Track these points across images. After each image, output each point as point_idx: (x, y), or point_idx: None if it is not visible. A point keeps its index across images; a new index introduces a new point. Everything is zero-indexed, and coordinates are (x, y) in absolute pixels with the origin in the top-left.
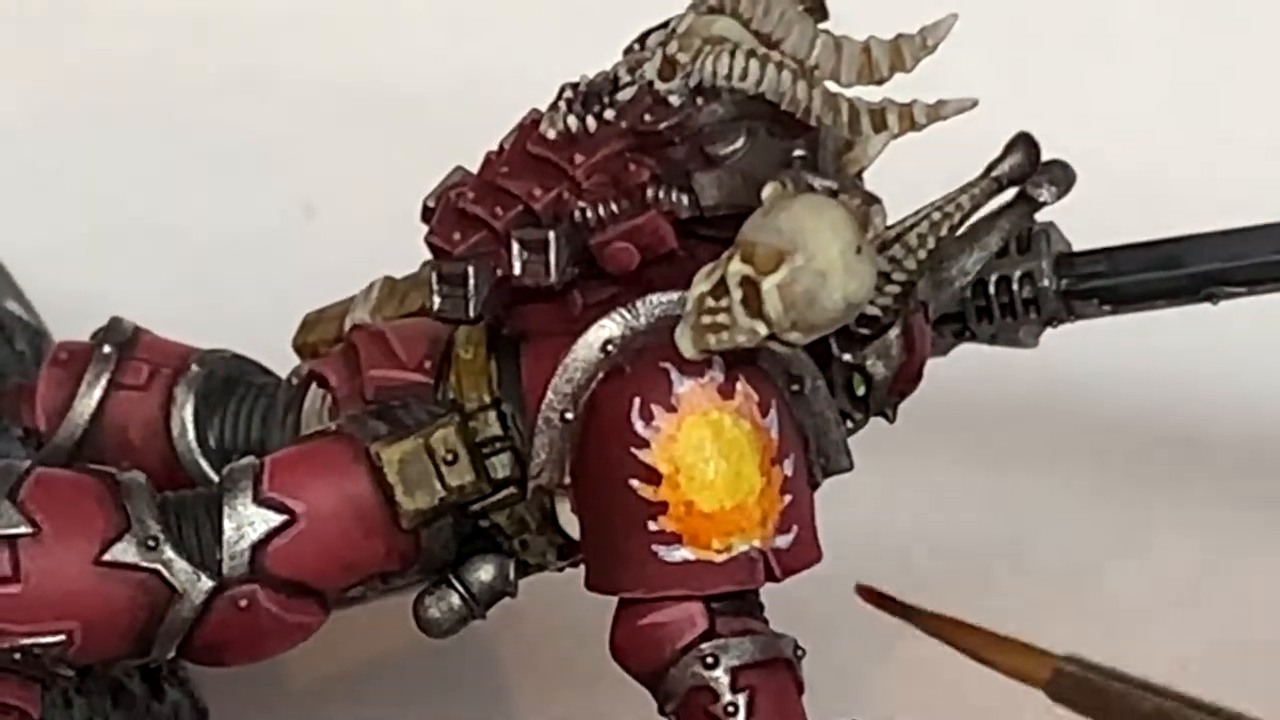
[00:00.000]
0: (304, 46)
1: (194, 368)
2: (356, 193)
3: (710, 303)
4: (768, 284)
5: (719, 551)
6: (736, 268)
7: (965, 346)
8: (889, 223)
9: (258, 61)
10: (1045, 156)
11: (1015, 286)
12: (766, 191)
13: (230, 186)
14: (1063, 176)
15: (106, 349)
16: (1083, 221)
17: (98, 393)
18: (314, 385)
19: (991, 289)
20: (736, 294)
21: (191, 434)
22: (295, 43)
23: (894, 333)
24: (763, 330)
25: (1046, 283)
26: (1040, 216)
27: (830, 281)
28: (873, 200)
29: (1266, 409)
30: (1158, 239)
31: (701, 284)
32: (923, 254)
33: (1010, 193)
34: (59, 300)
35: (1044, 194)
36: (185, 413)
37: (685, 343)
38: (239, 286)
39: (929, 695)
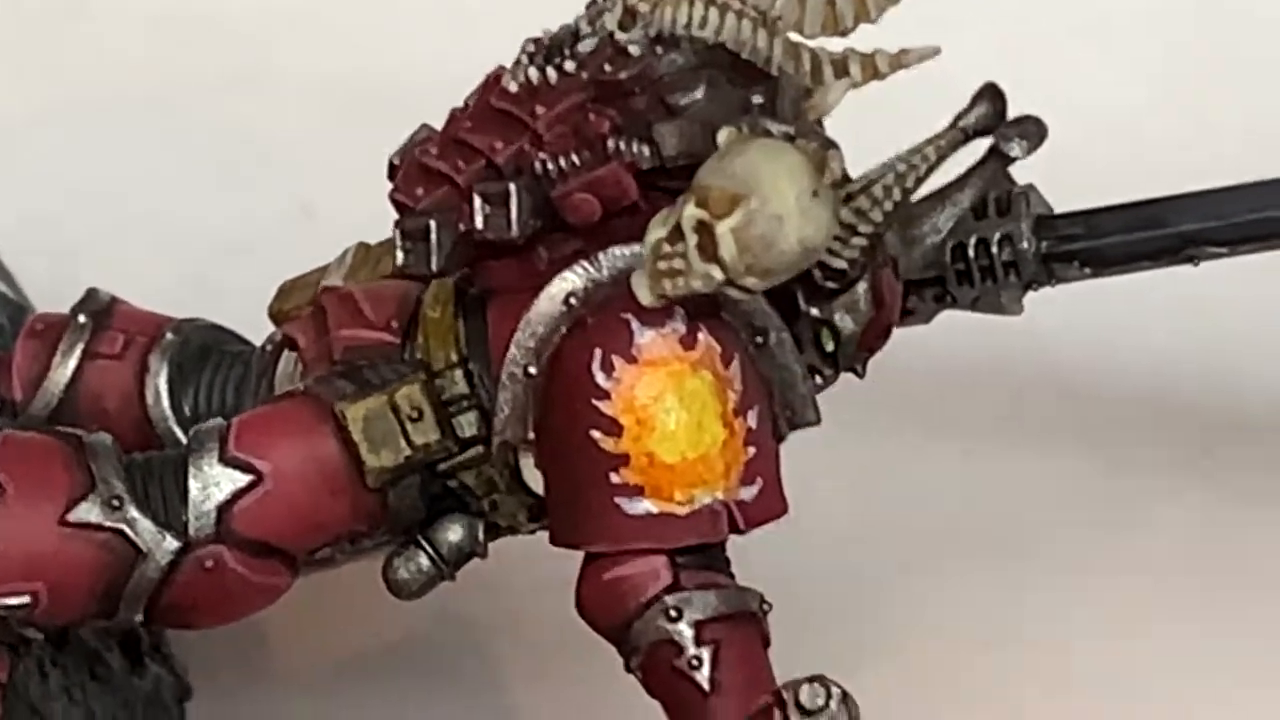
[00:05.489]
0: (304, 46)
1: (169, 336)
2: (355, 192)
3: (666, 249)
4: (723, 228)
5: (682, 504)
6: (692, 212)
7: (950, 318)
8: (855, 177)
9: (258, 61)
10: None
11: (994, 249)
12: (721, 136)
13: (230, 185)
14: (1035, 131)
15: (82, 318)
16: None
17: (73, 362)
18: (287, 350)
19: (971, 252)
20: (692, 239)
21: (166, 402)
22: (295, 42)
23: (862, 287)
24: (718, 275)
25: (1026, 245)
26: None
27: (786, 225)
28: (830, 145)
29: (1254, 384)
30: (1138, 200)
31: (657, 230)
32: (889, 205)
33: (983, 147)
34: (59, 297)
35: (1015, 149)
36: (160, 381)
37: (642, 290)
38: (238, 285)
39: (915, 670)
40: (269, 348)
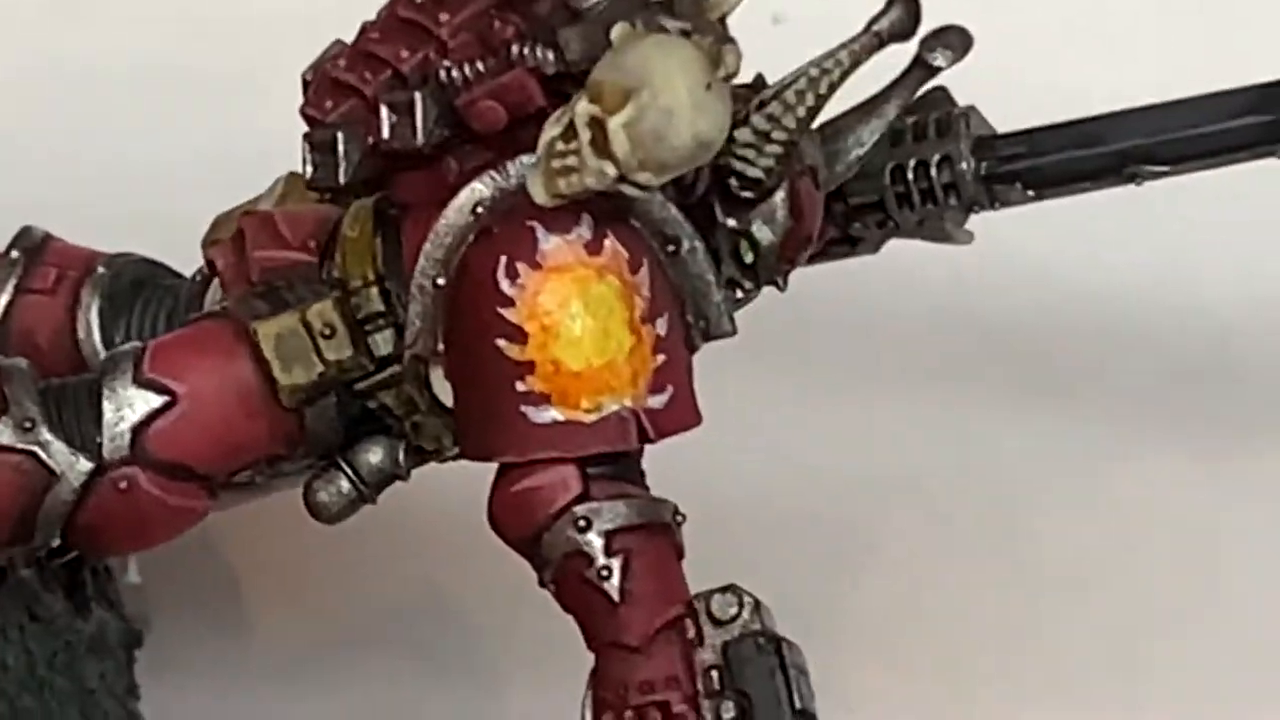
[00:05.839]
0: (304, 46)
1: (101, 270)
2: None
3: (560, 146)
4: (614, 122)
5: (588, 411)
6: (584, 108)
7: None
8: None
9: (258, 62)
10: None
11: (933, 171)
12: (615, 32)
13: (230, 186)
14: (958, 42)
15: (14, 254)
16: None
17: (4, 298)
18: (216, 280)
19: (910, 174)
20: (585, 135)
21: (97, 336)
22: (295, 43)
23: (779, 197)
24: (611, 171)
25: (965, 166)
26: None
27: (678, 118)
28: (726, 40)
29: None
30: (1077, 119)
31: (552, 128)
32: (801, 111)
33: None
34: None
35: (939, 59)
36: (91, 315)
37: (537, 189)
38: None
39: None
40: (198, 279)
